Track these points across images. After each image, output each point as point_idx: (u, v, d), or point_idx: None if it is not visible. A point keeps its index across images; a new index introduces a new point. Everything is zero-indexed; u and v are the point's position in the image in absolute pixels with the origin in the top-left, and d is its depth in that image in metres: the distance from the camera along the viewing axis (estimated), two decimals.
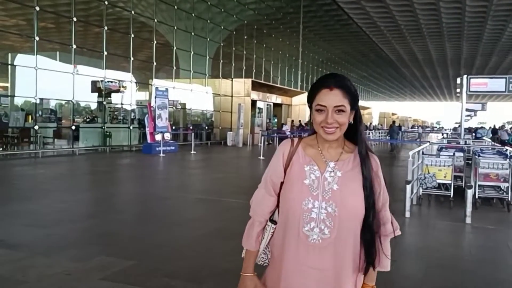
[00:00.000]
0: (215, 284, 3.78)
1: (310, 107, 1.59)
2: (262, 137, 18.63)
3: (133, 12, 18.68)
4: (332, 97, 1.52)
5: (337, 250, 1.53)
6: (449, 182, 7.75)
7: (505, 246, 5.48)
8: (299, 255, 1.55)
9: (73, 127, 16.19)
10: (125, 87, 19.01)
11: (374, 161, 1.60)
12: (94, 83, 17.95)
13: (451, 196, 7.62)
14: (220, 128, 24.59)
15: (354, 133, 1.61)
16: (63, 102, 17.42)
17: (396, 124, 30.43)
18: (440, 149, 8.97)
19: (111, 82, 18.57)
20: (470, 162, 9.22)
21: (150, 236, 5.41)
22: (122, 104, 19.41)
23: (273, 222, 1.66)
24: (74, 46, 15.62)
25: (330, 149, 1.61)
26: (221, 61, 25.05)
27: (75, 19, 15.63)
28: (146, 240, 5.24)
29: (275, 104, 29.60)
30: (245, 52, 27.61)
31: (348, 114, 1.54)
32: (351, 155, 1.60)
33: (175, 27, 21.41)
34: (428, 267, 4.58)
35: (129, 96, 19.36)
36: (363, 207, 1.53)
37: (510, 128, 30.03)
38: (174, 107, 21.61)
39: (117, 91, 18.98)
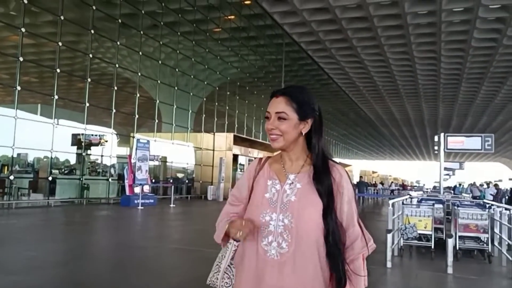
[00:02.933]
0: None
1: None
2: None
3: (117, 66, 18.94)
4: (275, 104, 1.53)
5: (297, 267, 1.45)
6: (430, 232, 7.70)
7: None
8: (258, 273, 1.49)
9: (50, 178, 15.86)
10: (106, 140, 18.93)
11: (336, 171, 1.54)
12: (74, 136, 17.85)
13: (432, 246, 7.55)
14: (201, 182, 24.40)
15: (312, 144, 1.58)
16: (41, 154, 17.17)
17: (366, 180, 31.26)
18: (420, 201, 8.99)
19: (93, 135, 18.51)
20: (449, 217, 9.24)
21: (123, 284, 5.17)
22: (102, 156, 19.22)
23: (236, 240, 1.59)
24: (56, 97, 15.61)
25: (290, 162, 1.59)
26: (204, 115, 25.29)
27: (58, 70, 15.75)
28: (120, 287, 5.01)
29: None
30: (227, 108, 27.99)
31: (293, 122, 1.52)
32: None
33: (159, 81, 21.72)
34: None
35: (109, 149, 19.23)
36: (320, 219, 1.47)
37: (480, 185, 30.65)
38: (155, 161, 21.46)
39: (98, 143, 18.88)
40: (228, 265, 1.61)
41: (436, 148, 17.59)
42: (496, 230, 7.83)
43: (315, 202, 1.48)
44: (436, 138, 17.58)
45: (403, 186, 45.08)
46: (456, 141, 15.61)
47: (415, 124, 52.95)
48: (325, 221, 1.47)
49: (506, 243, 7.24)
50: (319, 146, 1.57)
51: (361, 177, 32.42)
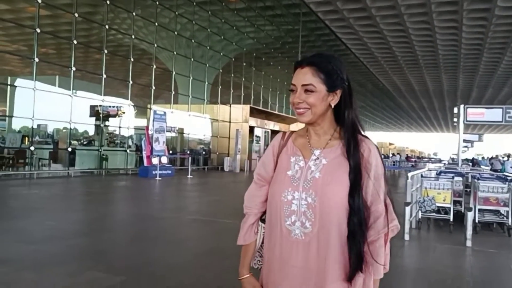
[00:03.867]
0: None
1: None
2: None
3: (133, 37, 18.85)
4: (301, 76, 1.43)
5: (321, 247, 1.39)
6: (449, 205, 7.63)
7: (507, 268, 5.35)
8: (282, 253, 1.44)
9: (70, 150, 16.08)
10: (123, 111, 19.02)
11: (365, 145, 1.44)
12: (92, 107, 17.97)
13: (451, 219, 7.49)
14: (217, 153, 24.52)
15: (342, 116, 1.48)
16: (60, 125, 17.38)
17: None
18: (439, 173, 8.88)
19: (110, 106, 18.60)
20: (468, 189, 9.13)
21: (142, 254, 5.25)
22: (120, 127, 19.37)
23: (264, 221, 1.56)
24: (74, 68, 15.66)
25: (317, 137, 1.50)
26: (220, 87, 25.19)
27: (75, 41, 15.74)
28: (138, 258, 5.08)
29: (273, 131, 29.62)
30: (243, 79, 27.81)
31: (321, 95, 1.42)
32: (341, 141, 1.47)
33: (175, 53, 21.59)
34: (428, 287, 4.43)
35: (127, 121, 19.35)
36: (346, 197, 1.38)
37: (502, 158, 30.14)
38: (172, 132, 21.57)
39: (115, 115, 18.98)
40: (260, 245, 1.58)
41: (455, 120, 17.31)
42: None
43: (340, 179, 1.39)
44: (455, 110, 17.29)
45: (407, 158, 44.57)
46: (476, 113, 15.29)
47: (434, 96, 52.00)
48: (351, 200, 1.38)
49: None
50: (350, 118, 1.47)
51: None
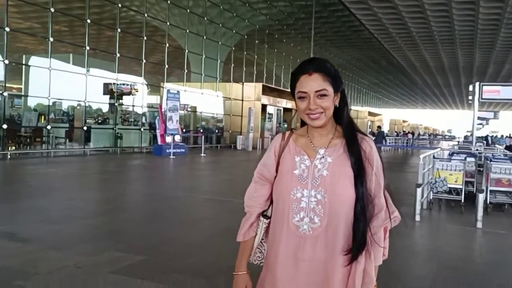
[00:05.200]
0: (223, 281, 3.77)
1: (293, 95, 1.55)
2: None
3: (146, 15, 18.84)
4: (312, 83, 1.49)
5: (328, 240, 1.48)
6: (460, 186, 7.68)
7: None
8: (290, 248, 1.51)
9: (85, 128, 16.32)
10: (137, 89, 19.15)
11: (366, 143, 1.54)
12: (106, 85, 18.13)
13: (462, 201, 7.54)
14: (230, 131, 24.66)
15: (341, 116, 1.57)
16: (75, 104, 17.60)
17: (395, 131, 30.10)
18: (451, 154, 8.90)
19: (124, 84, 18.74)
20: (481, 169, 9.14)
21: (158, 234, 5.42)
22: (133, 106, 19.55)
23: (266, 217, 1.63)
24: (88, 48, 15.77)
25: (320, 137, 1.57)
26: (232, 65, 25.13)
27: (89, 20, 15.80)
28: (155, 237, 5.26)
29: (285, 109, 29.60)
30: (256, 57, 27.69)
31: (332, 97, 1.51)
32: (342, 139, 1.56)
33: (187, 31, 21.54)
34: (439, 268, 4.54)
35: (140, 99, 19.51)
36: (353, 191, 1.47)
37: None
38: (185, 111, 21.71)
39: (129, 93, 19.13)
40: (260, 241, 1.65)
41: (470, 97, 17.16)
42: None
43: (347, 174, 1.49)
44: (470, 88, 17.08)
45: (404, 134, 44.15)
46: (492, 91, 15.10)
47: (450, 72, 51.21)
48: (356, 188, 1.47)
49: None
50: (347, 116, 1.58)
51: (379, 127, 31.22)
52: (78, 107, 17.61)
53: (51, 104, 15.37)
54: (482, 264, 4.87)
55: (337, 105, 1.54)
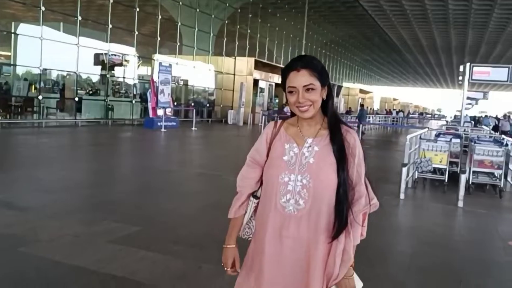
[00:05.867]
0: (216, 251, 3.96)
1: (285, 90, 1.69)
2: (263, 117, 18.73)
3: None
4: (300, 78, 1.62)
5: (311, 220, 1.63)
6: (444, 167, 7.93)
7: (494, 229, 5.70)
8: (276, 225, 1.66)
9: (76, 99, 16.30)
10: (128, 60, 19.05)
11: (350, 135, 1.68)
12: (97, 56, 18.00)
13: (446, 180, 7.81)
14: (221, 106, 24.71)
15: (327, 108, 1.71)
16: (66, 74, 17.49)
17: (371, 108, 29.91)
18: (438, 135, 9.13)
19: (115, 55, 18.61)
20: (466, 149, 9.40)
21: (153, 206, 5.62)
22: (124, 78, 19.47)
23: (256, 197, 1.77)
24: (80, 18, 15.61)
25: (309, 127, 1.71)
26: (225, 39, 25.00)
27: None
28: (150, 209, 5.45)
29: (277, 85, 29.63)
30: (249, 31, 27.52)
31: (319, 91, 1.64)
32: (328, 130, 1.69)
33: (180, 3, 21.32)
34: (418, 244, 4.80)
35: (132, 71, 19.42)
36: (336, 178, 1.62)
37: (504, 116, 30.06)
38: (176, 83, 21.67)
39: (120, 64, 19.04)
40: (249, 219, 1.80)
41: (460, 78, 17.33)
42: (511, 166, 8.04)
43: (331, 162, 1.63)
44: (461, 68, 17.25)
45: (387, 112, 44.41)
46: (482, 72, 15.24)
47: (442, 51, 51.27)
48: (338, 175, 1.62)
49: None
50: (332, 108, 1.71)
51: (362, 105, 30.44)
52: (68, 77, 17.48)
53: (41, 73, 15.25)
54: (460, 242, 5.15)
55: (324, 98, 1.67)
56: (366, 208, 1.68)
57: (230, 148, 13.71)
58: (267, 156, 1.74)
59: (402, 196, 6.90)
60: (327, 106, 1.70)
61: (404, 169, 6.99)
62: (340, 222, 1.61)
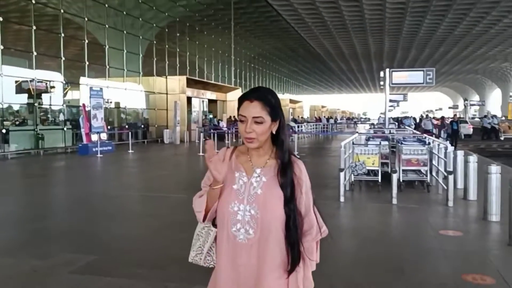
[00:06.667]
0: (178, 269, 4.16)
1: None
2: (201, 134, 18.88)
3: (62, 10, 18.21)
4: (251, 109, 1.65)
5: (261, 248, 1.67)
6: (377, 168, 8.57)
7: (425, 221, 6.29)
8: (230, 254, 1.70)
9: (4, 131, 15.61)
10: (54, 86, 18.48)
11: (297, 166, 1.72)
12: (21, 84, 17.35)
13: (379, 181, 8.45)
14: (156, 126, 24.55)
15: (279, 142, 1.73)
16: None
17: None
18: (368, 139, 9.82)
19: (41, 82, 18.01)
20: (394, 149, 10.17)
21: (106, 233, 5.66)
22: (50, 105, 18.85)
23: (215, 226, 1.78)
24: (1, 47, 15.05)
25: (258, 157, 1.74)
26: (155, 58, 24.95)
27: (0, 18, 15.07)
28: (103, 236, 5.50)
29: (210, 100, 29.93)
30: (178, 50, 27.64)
31: (268, 124, 1.66)
32: (277, 161, 1.72)
33: (107, 26, 21.09)
34: (361, 241, 5.25)
35: (60, 97, 18.88)
36: (282, 210, 1.66)
37: (433, 118, 32.39)
38: (108, 107, 21.27)
39: (45, 91, 18.42)
40: (210, 247, 1.81)
41: (382, 83, 18.52)
42: (435, 162, 8.85)
43: (278, 195, 1.67)
44: (381, 74, 18.46)
45: (317, 120, 46.76)
46: (400, 76, 16.43)
47: (362, 58, 54.14)
48: (287, 210, 1.66)
49: (442, 174, 8.27)
50: (286, 143, 1.74)
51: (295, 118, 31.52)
52: None
53: None
54: (397, 235, 5.67)
55: (274, 132, 1.70)
56: (318, 237, 1.75)
57: (171, 167, 13.75)
58: None
59: (342, 199, 7.39)
60: (278, 138, 1.72)
61: (342, 174, 7.50)
62: (293, 256, 1.67)
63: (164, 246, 4.99)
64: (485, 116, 35.30)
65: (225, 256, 1.71)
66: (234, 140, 23.39)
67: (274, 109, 1.68)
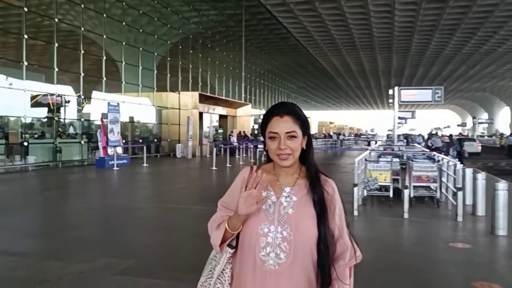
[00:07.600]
0: None
1: (264, 136, 1.61)
2: (214, 149, 19.30)
3: (82, 29, 18.92)
4: (283, 124, 1.56)
5: (292, 275, 1.53)
6: (389, 184, 8.97)
7: (436, 234, 6.68)
8: (256, 282, 1.55)
9: (25, 144, 16.16)
10: (69, 101, 19.07)
11: (329, 186, 1.63)
12: (42, 99, 17.96)
13: (391, 196, 8.84)
14: (168, 140, 25.08)
15: (307, 158, 1.64)
16: (10, 118, 17.31)
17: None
18: (379, 156, 10.22)
19: (59, 96, 18.62)
20: (404, 166, 10.55)
21: (138, 240, 6.10)
22: (66, 119, 19.44)
23: (231, 247, 1.63)
24: (26, 63, 15.69)
25: (286, 175, 1.63)
26: (168, 74, 25.61)
27: (26, 36, 15.74)
28: (136, 243, 5.93)
29: (221, 116, 30.52)
30: (191, 66, 28.32)
31: (300, 139, 1.58)
32: (306, 180, 1.63)
33: (124, 43, 21.78)
34: (377, 251, 5.64)
35: (75, 111, 19.49)
36: (316, 229, 1.54)
37: (442, 135, 32.83)
38: (122, 121, 21.83)
39: (64, 106, 19.01)
40: (221, 272, 1.65)
41: (390, 100, 18.95)
42: (444, 179, 9.22)
43: (311, 214, 1.56)
44: (390, 91, 18.89)
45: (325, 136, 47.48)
46: (409, 94, 16.90)
47: (370, 75, 54.69)
48: (318, 228, 1.54)
49: (451, 190, 8.65)
50: (313, 159, 1.66)
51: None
52: (9, 121, 17.27)
53: None
54: (410, 246, 6.06)
55: (304, 148, 1.61)
56: (352, 262, 1.62)
57: (187, 180, 14.20)
58: None
59: (356, 213, 7.79)
60: (304, 155, 1.64)
61: (356, 189, 7.91)
62: (323, 280, 1.55)
63: (195, 252, 5.37)
64: (511, 135, 36.74)
65: (251, 284, 1.56)
66: (244, 155, 23.84)
67: (305, 123, 1.62)
